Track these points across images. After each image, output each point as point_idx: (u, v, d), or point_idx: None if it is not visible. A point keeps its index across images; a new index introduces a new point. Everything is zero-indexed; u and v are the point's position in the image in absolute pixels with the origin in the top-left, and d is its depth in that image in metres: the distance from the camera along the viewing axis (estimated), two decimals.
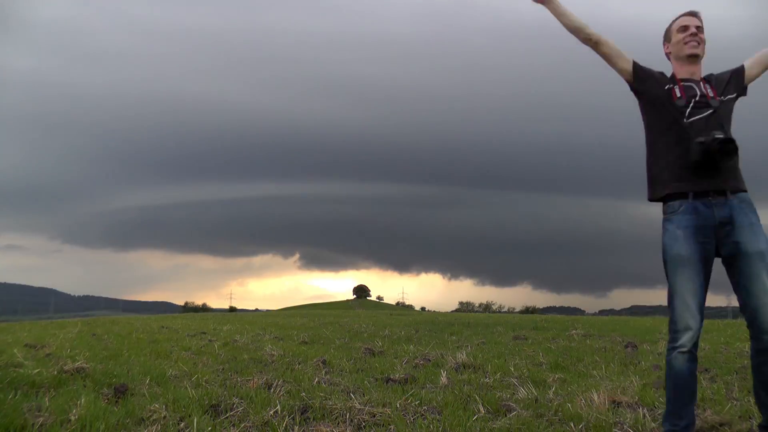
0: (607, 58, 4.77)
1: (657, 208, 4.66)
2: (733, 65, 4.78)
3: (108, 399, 6.73)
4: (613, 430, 5.56)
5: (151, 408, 6.15)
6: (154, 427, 5.62)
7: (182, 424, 5.70)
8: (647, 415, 5.97)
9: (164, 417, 5.90)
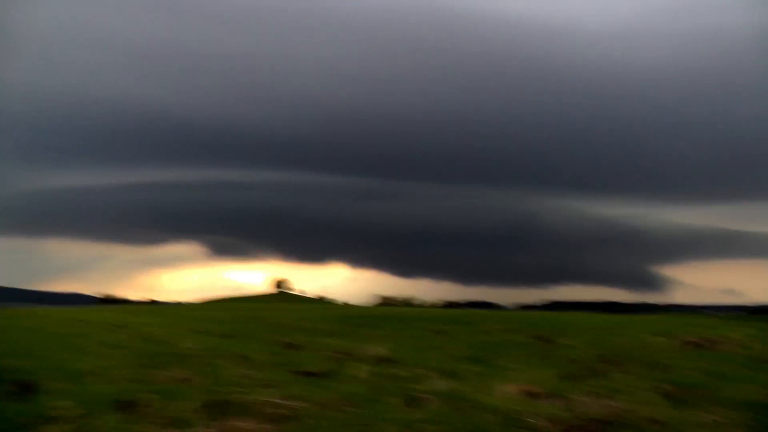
0: None
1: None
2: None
3: (14, 397, 6.47)
4: (529, 420, 5.85)
5: (61, 405, 5.96)
6: (63, 425, 5.46)
7: (95, 421, 5.56)
8: (562, 405, 6.30)
9: (75, 414, 5.73)
